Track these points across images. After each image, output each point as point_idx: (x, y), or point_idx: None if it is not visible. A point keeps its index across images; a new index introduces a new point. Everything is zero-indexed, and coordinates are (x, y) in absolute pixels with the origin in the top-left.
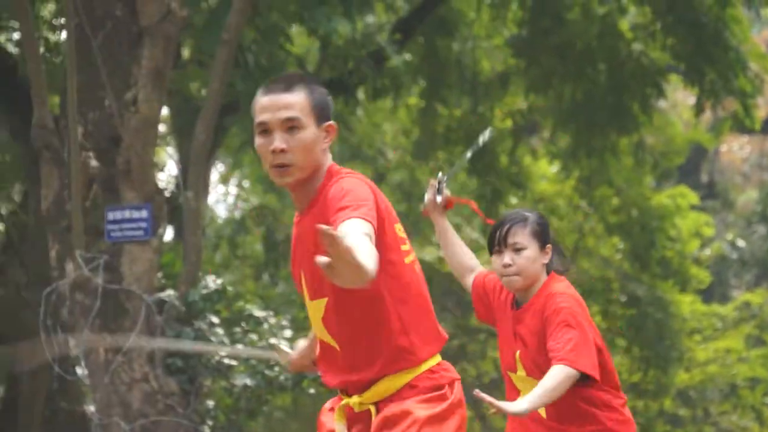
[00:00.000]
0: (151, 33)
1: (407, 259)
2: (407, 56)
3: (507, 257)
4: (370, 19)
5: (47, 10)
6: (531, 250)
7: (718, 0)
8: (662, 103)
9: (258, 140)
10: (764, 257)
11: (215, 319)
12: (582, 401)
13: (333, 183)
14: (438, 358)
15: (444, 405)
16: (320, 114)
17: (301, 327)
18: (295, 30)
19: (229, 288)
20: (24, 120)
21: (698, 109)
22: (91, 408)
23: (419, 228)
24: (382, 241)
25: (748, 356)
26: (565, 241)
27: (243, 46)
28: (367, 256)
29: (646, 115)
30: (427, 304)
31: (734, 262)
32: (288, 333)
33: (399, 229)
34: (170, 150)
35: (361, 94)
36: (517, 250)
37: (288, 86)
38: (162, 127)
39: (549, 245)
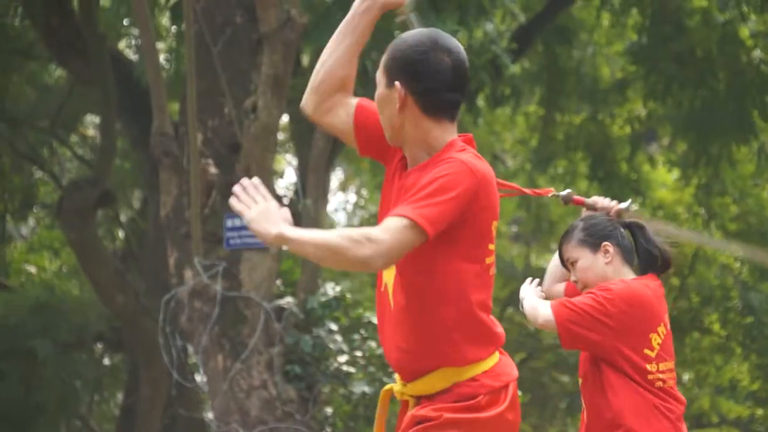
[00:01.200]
0: (270, 40)
1: (488, 259)
2: (526, 64)
3: (572, 275)
4: (489, 26)
5: (167, 17)
6: (583, 259)
7: None
8: None
9: None
10: None
11: (334, 327)
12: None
13: (444, 159)
14: (488, 363)
15: (477, 414)
16: (390, 73)
17: None
18: None
19: (348, 295)
20: (144, 128)
21: None
22: (209, 415)
23: (536, 235)
24: (464, 233)
25: None
26: (684, 249)
27: (363, 52)
28: (340, 241)
29: (766, 122)
30: (485, 305)
31: None
32: None
33: (495, 227)
34: (289, 157)
35: (480, 102)
36: (572, 263)
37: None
38: (281, 135)
39: (607, 244)
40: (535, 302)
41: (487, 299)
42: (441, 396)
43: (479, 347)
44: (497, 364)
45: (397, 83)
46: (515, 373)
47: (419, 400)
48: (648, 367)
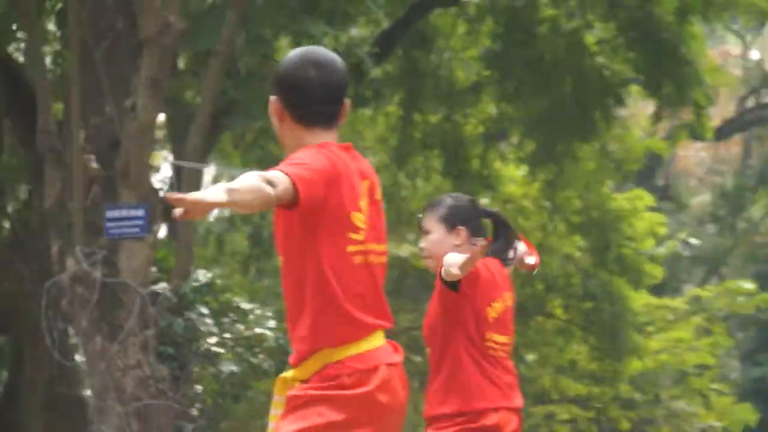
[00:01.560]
0: (149, 44)
1: (351, 248)
2: (387, 68)
3: (421, 241)
4: (354, 32)
5: (52, 22)
6: (436, 233)
7: (677, 16)
8: (622, 113)
9: None
10: (714, 255)
11: (205, 310)
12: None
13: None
14: (357, 348)
15: (341, 392)
16: (271, 89)
17: (284, 318)
18: (282, 41)
19: (218, 281)
20: (30, 125)
21: (655, 119)
22: (88, 392)
23: (396, 227)
24: (324, 219)
25: (697, 346)
26: (530, 239)
27: (234, 56)
28: (244, 183)
29: (607, 123)
30: (353, 293)
31: (686, 259)
32: (272, 323)
33: (357, 217)
34: (166, 153)
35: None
36: (426, 233)
37: None
38: (158, 133)
39: (462, 228)
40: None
41: (356, 287)
42: (313, 377)
43: (347, 333)
44: (370, 350)
45: (272, 97)
46: (394, 359)
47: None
48: (486, 335)
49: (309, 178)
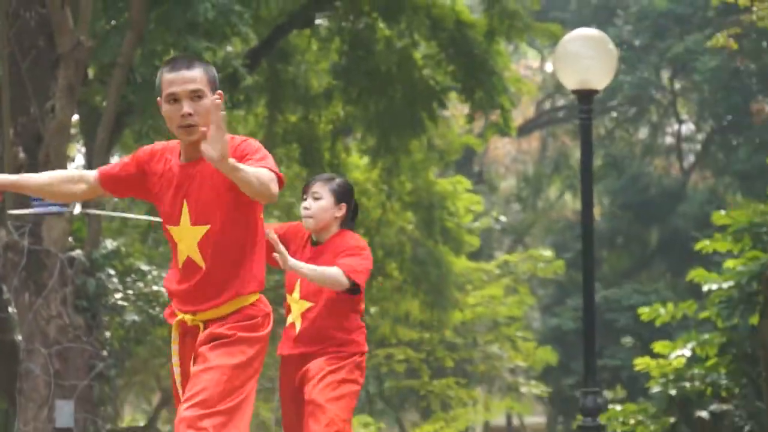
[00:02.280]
0: (65, 59)
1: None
2: (256, 77)
3: (307, 202)
4: (229, 48)
5: None
6: (326, 201)
7: (486, 37)
8: (444, 114)
9: (167, 107)
10: (519, 228)
11: (112, 272)
12: (343, 320)
13: (240, 140)
14: (259, 295)
15: (257, 333)
16: (213, 86)
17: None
18: (171, 54)
19: (123, 249)
20: None
21: (470, 119)
22: (19, 337)
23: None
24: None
25: (506, 301)
26: (371, 215)
27: (132, 67)
28: (267, 181)
29: (432, 122)
30: (266, 251)
31: (497, 231)
32: None
33: None
34: (79, 146)
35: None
36: (316, 198)
37: (189, 65)
38: (73, 129)
39: (344, 204)
40: (321, 270)
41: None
42: (232, 317)
43: (260, 280)
44: (263, 297)
45: (220, 91)
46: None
47: (207, 324)
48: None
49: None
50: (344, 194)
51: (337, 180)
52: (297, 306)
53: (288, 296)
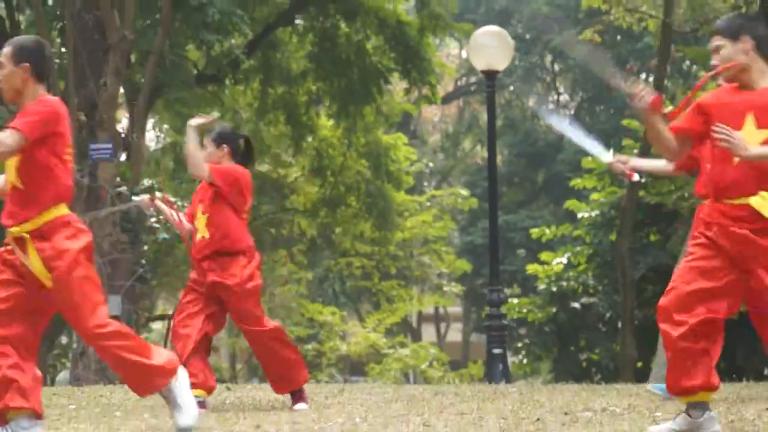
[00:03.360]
0: (113, 48)
1: (67, 156)
2: (252, 62)
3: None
4: (233, 40)
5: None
6: (210, 149)
7: (419, 32)
8: (389, 88)
9: None
10: (443, 171)
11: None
12: None
13: (35, 103)
14: (66, 209)
15: (83, 236)
16: (18, 58)
17: None
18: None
19: (155, 184)
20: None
21: (407, 92)
22: None
23: None
24: (49, 139)
25: (434, 225)
26: (336, 162)
27: (162, 54)
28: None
29: (379, 95)
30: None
31: (427, 174)
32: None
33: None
34: (124, 112)
35: (227, 81)
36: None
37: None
38: (120, 100)
39: (225, 145)
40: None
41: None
42: (46, 229)
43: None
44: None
45: (25, 64)
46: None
47: (30, 233)
48: None
49: (29, 125)
50: (225, 136)
51: (217, 129)
52: None
53: None
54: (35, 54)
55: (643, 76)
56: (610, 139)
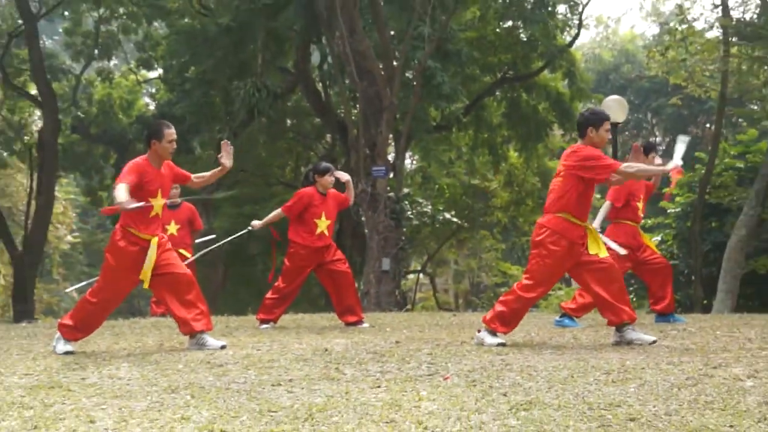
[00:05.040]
0: (386, 109)
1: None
2: (468, 118)
3: None
4: None
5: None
6: None
7: (570, 99)
8: (552, 133)
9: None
10: None
11: (406, 202)
12: None
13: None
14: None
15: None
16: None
17: None
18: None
19: (410, 192)
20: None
21: (563, 135)
22: (366, 231)
23: None
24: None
25: None
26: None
27: (414, 113)
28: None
29: (547, 137)
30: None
31: None
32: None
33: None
34: (391, 150)
35: (453, 130)
36: None
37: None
38: (390, 142)
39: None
40: None
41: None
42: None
43: None
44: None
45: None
46: None
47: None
48: None
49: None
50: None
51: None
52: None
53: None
54: None
55: (708, 125)
56: (688, 163)
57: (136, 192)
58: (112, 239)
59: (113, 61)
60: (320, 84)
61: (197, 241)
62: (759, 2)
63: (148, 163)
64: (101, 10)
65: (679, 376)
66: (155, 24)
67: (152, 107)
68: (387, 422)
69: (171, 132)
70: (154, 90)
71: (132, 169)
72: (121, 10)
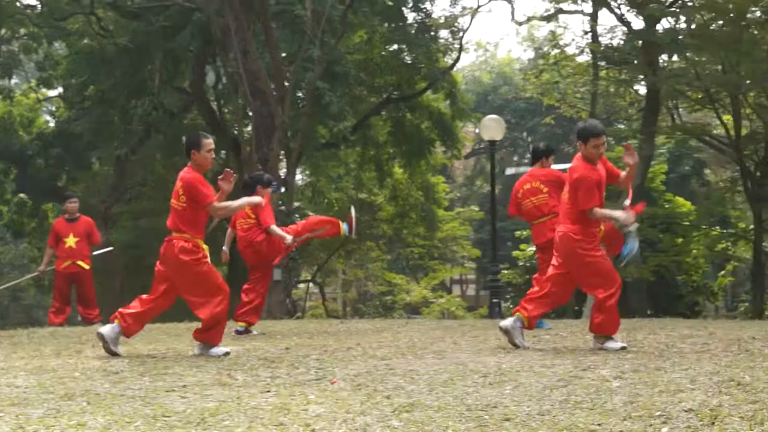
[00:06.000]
0: (278, 127)
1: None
2: (355, 137)
3: None
4: None
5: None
6: None
7: (451, 118)
8: (435, 150)
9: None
10: (465, 197)
11: (296, 215)
12: None
13: None
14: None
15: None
16: None
17: None
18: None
19: (300, 206)
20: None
21: (445, 152)
22: None
23: None
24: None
25: (460, 228)
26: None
27: (305, 132)
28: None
29: (429, 154)
30: None
31: (456, 199)
32: None
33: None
34: (283, 165)
35: (342, 147)
36: None
37: None
38: (279, 157)
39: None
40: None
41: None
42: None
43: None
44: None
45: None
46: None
47: None
48: None
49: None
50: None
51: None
52: None
53: None
54: None
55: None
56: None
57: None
58: (191, 250)
59: (14, 80)
60: (215, 103)
61: (95, 253)
62: (625, 29)
63: (197, 172)
64: (2, 30)
65: (552, 378)
66: (56, 44)
67: (52, 124)
68: (276, 425)
69: (209, 142)
70: (54, 108)
71: (203, 181)
72: (22, 31)
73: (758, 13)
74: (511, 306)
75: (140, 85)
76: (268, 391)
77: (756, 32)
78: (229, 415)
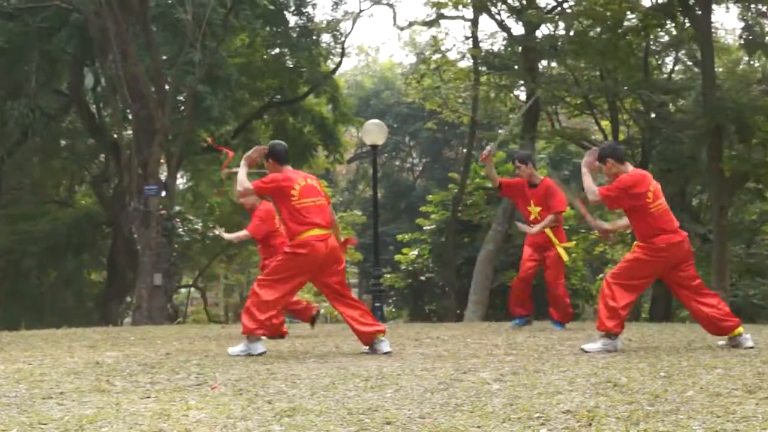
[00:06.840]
0: (158, 131)
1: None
2: (237, 140)
3: None
4: None
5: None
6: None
7: (334, 123)
8: (317, 154)
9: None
10: (347, 202)
11: (178, 219)
12: None
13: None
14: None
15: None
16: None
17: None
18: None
19: (182, 209)
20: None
21: (327, 156)
22: (138, 247)
23: None
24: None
25: (342, 233)
26: None
27: (186, 135)
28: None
29: (312, 158)
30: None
31: (338, 203)
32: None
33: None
34: (164, 170)
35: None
36: None
37: None
38: (160, 161)
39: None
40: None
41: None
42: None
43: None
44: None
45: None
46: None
47: None
48: None
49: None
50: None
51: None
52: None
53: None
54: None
55: (461, 148)
56: (442, 183)
57: None
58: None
59: None
60: (94, 106)
61: None
62: (505, 35)
63: None
64: None
65: (432, 381)
66: None
67: None
68: (155, 431)
69: None
70: None
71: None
72: None
73: (634, 21)
74: (393, 310)
75: (16, 87)
76: (148, 397)
77: (632, 39)
78: (108, 421)
